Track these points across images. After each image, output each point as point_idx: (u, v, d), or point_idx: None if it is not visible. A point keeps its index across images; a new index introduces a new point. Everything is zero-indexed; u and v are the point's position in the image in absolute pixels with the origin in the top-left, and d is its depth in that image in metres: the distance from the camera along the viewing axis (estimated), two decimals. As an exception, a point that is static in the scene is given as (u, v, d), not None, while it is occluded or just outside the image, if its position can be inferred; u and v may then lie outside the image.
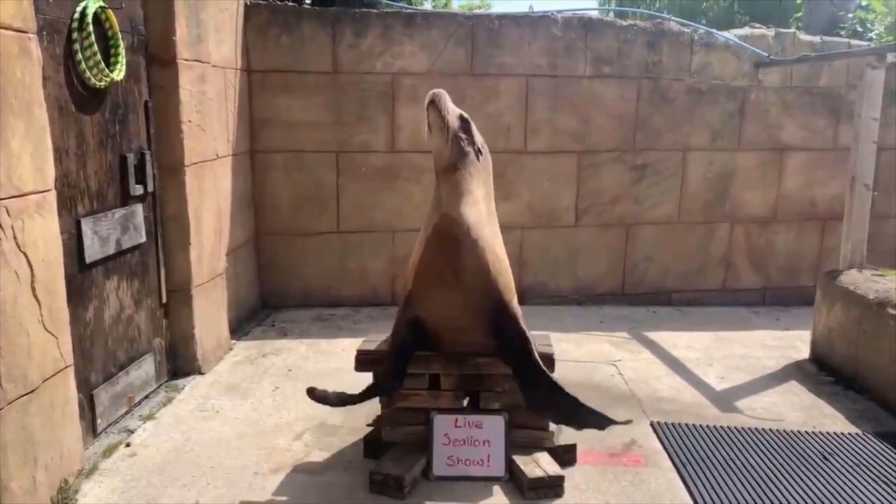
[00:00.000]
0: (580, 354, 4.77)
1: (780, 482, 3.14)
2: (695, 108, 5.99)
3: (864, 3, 8.92)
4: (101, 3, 3.22)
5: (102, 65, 3.20)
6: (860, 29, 8.60)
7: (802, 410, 3.99)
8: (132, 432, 3.46)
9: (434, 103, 2.99)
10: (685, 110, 5.98)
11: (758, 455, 3.40)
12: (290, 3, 5.48)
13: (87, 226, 3.23)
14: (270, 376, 4.26)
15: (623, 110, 5.91)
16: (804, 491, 3.07)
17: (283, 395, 3.98)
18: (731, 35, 6.08)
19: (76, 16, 3.09)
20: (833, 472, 3.25)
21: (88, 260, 3.24)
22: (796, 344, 5.13)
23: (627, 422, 3.13)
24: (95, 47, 3.15)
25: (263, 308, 5.68)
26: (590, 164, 5.95)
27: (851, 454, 3.43)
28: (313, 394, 3.15)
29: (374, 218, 5.74)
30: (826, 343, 4.67)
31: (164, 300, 4.01)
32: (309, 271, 5.74)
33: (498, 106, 5.73)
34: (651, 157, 6.03)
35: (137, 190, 3.68)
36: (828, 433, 3.67)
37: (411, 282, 3.10)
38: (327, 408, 3.73)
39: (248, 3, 5.27)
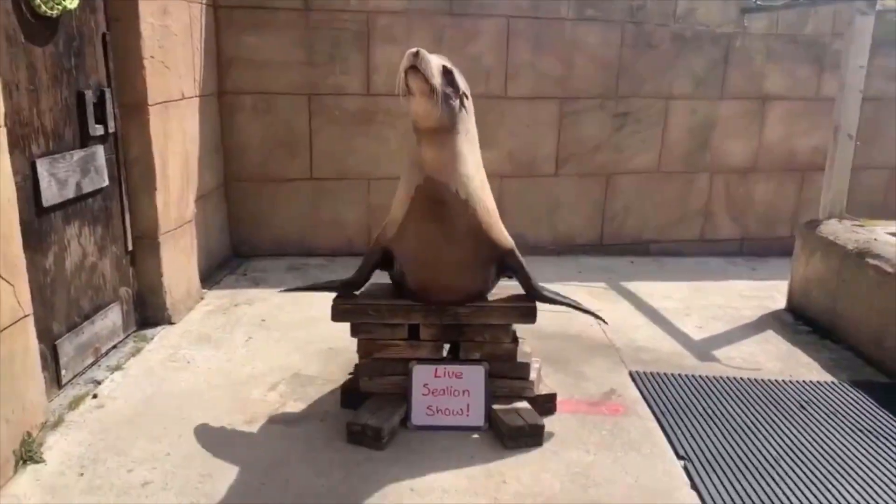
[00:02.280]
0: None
1: (758, 430, 3.14)
2: (679, 54, 5.85)
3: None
4: (51, -75, 2.96)
5: (54, -10, 2.95)
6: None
7: (779, 360, 4.00)
8: (99, 383, 3.33)
9: (416, 69, 2.60)
10: (669, 57, 5.84)
11: (736, 404, 3.39)
12: (258, -66, 5.16)
13: (42, 167, 3.03)
14: (243, 326, 4.15)
15: (606, 56, 5.75)
16: (781, 439, 3.08)
17: (257, 346, 3.88)
18: (718, -22, 5.90)
19: (24, -63, 2.83)
20: (810, 420, 3.26)
21: (46, 204, 3.05)
22: (773, 294, 5.14)
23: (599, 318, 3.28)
24: (45, -28, 2.91)
25: (235, 257, 5.52)
26: (571, 112, 5.81)
27: (828, 403, 3.44)
28: (288, 290, 3.42)
29: (348, 165, 5.57)
30: (803, 293, 4.67)
31: (130, 247, 3.84)
32: (281, 220, 5.58)
33: (477, 48, 5.53)
34: (633, 104, 5.90)
35: (98, 130, 3.47)
36: (804, 382, 3.68)
37: (393, 237, 2.98)
38: (302, 358, 3.70)
39: (214, -68, 4.95)
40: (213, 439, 2.90)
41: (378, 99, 5.47)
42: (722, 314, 4.72)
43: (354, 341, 3.09)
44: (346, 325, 3.05)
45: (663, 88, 5.91)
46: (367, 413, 2.94)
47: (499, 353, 3.04)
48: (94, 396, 3.21)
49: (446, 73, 2.74)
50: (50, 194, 3.08)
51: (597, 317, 3.28)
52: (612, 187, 6.07)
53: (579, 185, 5.99)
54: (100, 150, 3.51)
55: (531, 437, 2.90)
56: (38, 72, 3.01)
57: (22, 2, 2.89)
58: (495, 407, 3.01)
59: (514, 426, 2.89)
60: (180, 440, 2.88)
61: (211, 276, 4.97)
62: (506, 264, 3.03)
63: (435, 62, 2.69)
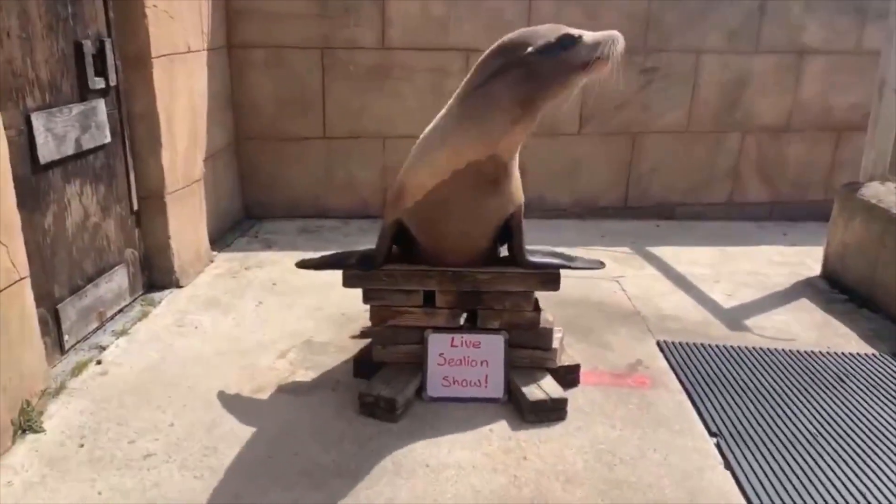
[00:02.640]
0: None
1: (795, 405, 2.96)
2: (711, 5, 5.52)
3: None
4: None
5: (45, -68, 2.75)
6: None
7: (815, 329, 3.79)
8: (104, 349, 3.22)
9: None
10: (701, 7, 5.51)
11: (770, 376, 3.21)
12: None
13: (38, 121, 2.86)
14: (253, 290, 4.01)
15: (634, 6, 5.43)
16: (819, 414, 2.90)
17: (267, 311, 3.74)
18: (757, -78, 5.53)
19: None
20: (849, 394, 3.07)
21: (43, 160, 2.90)
22: (805, 261, 4.91)
23: (600, 265, 3.04)
24: (35, -89, 2.70)
25: (247, 218, 5.37)
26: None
27: (868, 375, 3.25)
28: (302, 264, 3.04)
29: (362, 123, 5.35)
30: (840, 259, 4.43)
31: (136, 207, 3.69)
32: (294, 180, 5.40)
33: (498, 1, 5.24)
34: (662, 59, 5.60)
35: (98, 83, 3.29)
36: (842, 353, 3.48)
37: (412, 207, 2.70)
38: (314, 325, 3.55)
39: None
40: (220, 409, 2.77)
41: (394, 53, 5.23)
42: (752, 281, 4.51)
43: (368, 307, 2.93)
44: (360, 291, 2.88)
45: (694, 42, 5.59)
46: (381, 383, 2.79)
47: (519, 322, 2.87)
48: (98, 363, 3.10)
49: None
50: (47, 150, 2.92)
51: (593, 267, 3.03)
52: (637, 147, 5.80)
53: (603, 144, 5.73)
54: (101, 105, 3.33)
55: (553, 411, 2.74)
56: (31, 19, 2.83)
57: (10, -57, 2.69)
58: (515, 378, 2.85)
59: (535, 399, 2.73)
60: (185, 410, 2.76)
61: (222, 237, 4.83)
62: (509, 221, 2.79)
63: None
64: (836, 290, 4.36)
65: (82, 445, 2.50)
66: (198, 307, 3.73)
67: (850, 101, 5.92)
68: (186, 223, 4.04)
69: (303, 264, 3.03)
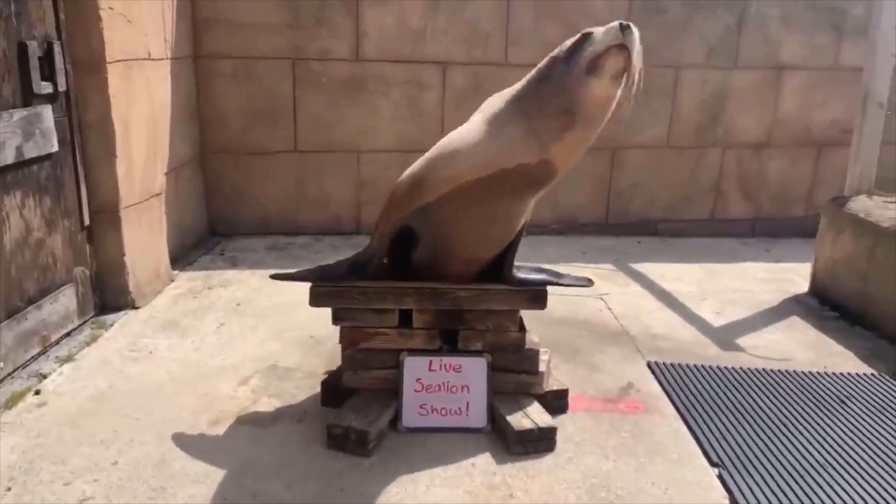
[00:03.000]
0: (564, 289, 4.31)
1: (798, 430, 2.77)
2: (690, 21, 5.43)
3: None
4: None
5: (-18, -82, 2.51)
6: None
7: (809, 349, 3.62)
8: (45, 377, 2.92)
9: (622, 48, 2.19)
10: (680, 24, 5.42)
11: (769, 399, 3.02)
12: None
13: (-28, 126, 2.60)
14: (216, 311, 3.73)
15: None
16: (825, 439, 2.70)
17: (230, 333, 3.47)
18: (734, -63, 5.47)
19: None
20: (854, 417, 2.89)
21: (-23, 169, 2.63)
22: (792, 277, 4.77)
23: (588, 282, 2.93)
24: None
25: (212, 236, 5.10)
26: (575, 80, 5.37)
27: (871, 397, 3.07)
28: (276, 276, 2.72)
29: (335, 136, 5.13)
30: (829, 275, 4.29)
31: (87, 222, 3.41)
32: (263, 195, 5.15)
33: (475, 11, 5.08)
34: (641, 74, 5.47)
35: (45, 88, 3.03)
36: (841, 374, 3.31)
37: (434, 194, 2.40)
38: (280, 347, 3.29)
39: None
40: (171, 444, 2.49)
41: (368, 65, 5.03)
42: (739, 298, 4.34)
43: (337, 328, 2.68)
44: (329, 311, 2.64)
45: (673, 57, 5.49)
46: (351, 413, 2.54)
47: (503, 344, 2.64)
48: (37, 393, 2.80)
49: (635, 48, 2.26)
50: (-18, 158, 2.65)
51: (582, 285, 2.89)
52: (618, 163, 5.66)
53: (583, 160, 5.53)
54: (47, 111, 3.07)
55: (542, 440, 2.51)
56: (-36, 14, 2.57)
57: (-58, -71, 2.45)
58: (498, 405, 2.62)
59: (521, 429, 2.50)
60: (132, 445, 2.47)
61: (185, 255, 4.55)
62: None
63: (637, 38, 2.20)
64: (827, 307, 4.21)
65: (9, 489, 2.20)
66: (154, 330, 3.45)
67: (830, 117, 5.87)
68: (144, 239, 3.76)
69: (279, 276, 2.73)
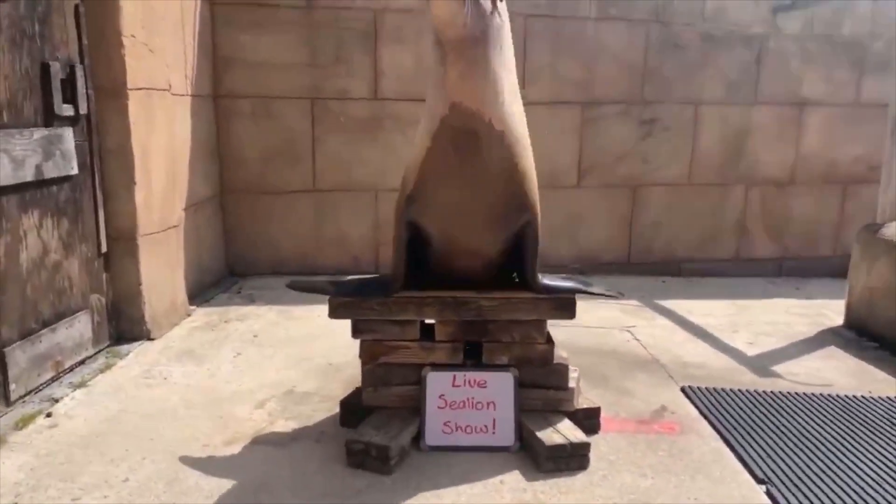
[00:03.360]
0: (589, 320, 4.18)
1: (848, 449, 2.59)
2: (708, 57, 5.45)
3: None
4: None
5: (12, -61, 2.57)
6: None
7: (850, 376, 3.44)
8: (56, 401, 2.82)
9: None
10: (698, 59, 5.44)
11: (813, 420, 2.84)
12: (258, -72, 4.85)
13: (-7, 141, 2.60)
14: (232, 342, 3.64)
15: (631, 58, 5.35)
16: (878, 458, 2.52)
17: (247, 362, 3.36)
18: (748, -24, 5.54)
19: None
20: (906, 440, 2.70)
21: (-4, 183, 2.61)
22: (825, 312, 4.61)
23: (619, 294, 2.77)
24: (3, -83, 2.53)
25: (230, 276, 5.04)
26: (594, 118, 5.38)
27: (923, 420, 2.88)
28: (295, 285, 2.69)
29: (353, 175, 5.13)
30: (866, 305, 4.12)
31: (104, 249, 3.37)
32: (281, 235, 5.11)
33: (493, 50, 5.13)
34: (661, 110, 5.48)
35: (66, 110, 3.04)
36: (888, 397, 3.12)
37: (413, 184, 2.44)
38: (298, 374, 3.19)
39: (211, -75, 4.64)
40: (184, 462, 2.37)
41: (386, 104, 5.06)
42: (773, 330, 4.18)
43: (358, 356, 2.57)
44: (350, 339, 2.54)
45: (693, 93, 5.49)
46: (372, 429, 2.41)
47: (530, 357, 2.51)
48: (48, 415, 2.70)
49: None
50: (2, 172, 2.63)
51: (611, 296, 2.75)
52: (639, 200, 5.59)
53: (604, 197, 5.52)
54: (68, 133, 3.07)
55: (574, 457, 2.35)
56: (-9, 30, 2.61)
57: (-26, -51, 2.50)
58: (526, 422, 2.47)
59: (552, 444, 2.34)
60: (143, 463, 2.35)
61: (202, 293, 4.48)
62: (522, 231, 2.47)
63: None
64: (865, 338, 4.03)
65: None
66: (169, 359, 3.35)
67: (854, 154, 5.80)
68: (161, 270, 3.71)
69: (297, 285, 2.69)
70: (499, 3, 2.29)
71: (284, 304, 4.37)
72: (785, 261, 5.93)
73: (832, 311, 4.55)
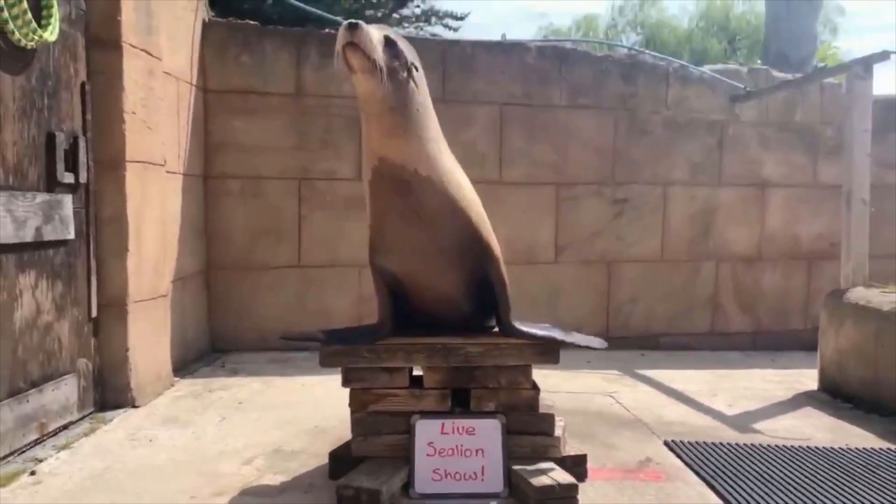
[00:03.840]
0: (572, 387, 4.25)
1: (828, 494, 2.64)
2: (674, 141, 5.80)
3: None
4: (32, -47, 2.84)
5: (30, 17, 2.78)
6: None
7: (828, 431, 3.53)
8: (41, 461, 2.79)
9: (355, 45, 2.31)
10: (664, 143, 5.78)
11: (795, 469, 2.90)
12: (251, 22, 5.20)
13: (-2, 200, 2.70)
14: (217, 408, 3.64)
15: (600, 142, 5.68)
16: (860, 501, 2.57)
17: (232, 425, 3.36)
18: (707, 69, 5.99)
19: (1, -40, 2.69)
20: (882, 483, 2.76)
21: (-2, 241, 2.70)
22: (800, 379, 4.72)
23: (601, 343, 2.87)
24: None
25: (213, 351, 5.05)
26: (568, 197, 5.64)
27: (898, 467, 2.96)
28: (288, 336, 2.87)
29: (338, 251, 5.27)
30: (837, 369, 4.25)
31: (94, 314, 3.42)
32: (265, 310, 5.17)
33: (471, 134, 5.44)
34: (631, 191, 5.76)
35: (67, 178, 3.18)
36: (865, 448, 3.20)
37: (371, 231, 2.67)
38: (284, 435, 3.19)
39: (207, 20, 4.97)
40: (172, 512, 2.35)
41: (370, 184, 5.27)
42: (751, 394, 4.27)
43: (346, 420, 2.65)
44: (336, 404, 2.62)
45: (660, 174, 5.80)
46: (362, 475, 2.43)
47: (517, 403, 2.58)
48: (32, 473, 2.67)
49: (389, 44, 2.44)
50: (4, 231, 2.73)
51: (594, 347, 2.85)
52: (615, 276, 5.77)
53: (581, 272, 5.70)
54: (67, 200, 3.19)
55: (563, 499, 2.38)
56: (3, 99, 2.77)
57: (-6, 26, 2.70)
58: (515, 468, 2.51)
59: (541, 486, 2.38)
60: (130, 513, 2.33)
61: (185, 367, 4.48)
62: (486, 275, 2.64)
63: (375, 34, 2.40)
64: (839, 399, 4.14)
65: (-1, 548, 2.06)
66: (154, 423, 3.34)
67: (816, 232, 6.08)
68: (149, 337, 3.75)
69: (291, 336, 2.82)
70: (413, 73, 2.50)
71: (267, 375, 4.40)
72: (759, 334, 6.08)
73: (807, 378, 4.66)
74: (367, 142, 2.57)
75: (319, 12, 6.30)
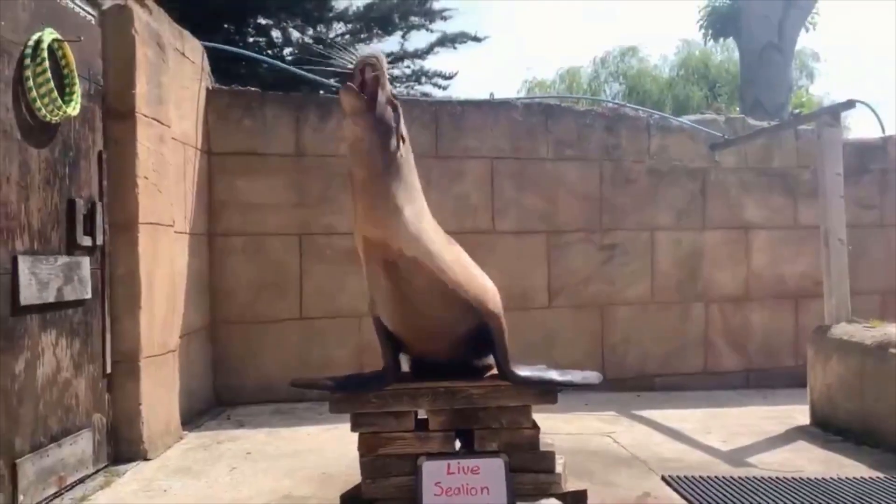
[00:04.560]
0: (571, 429, 4.37)
1: (820, 522, 2.77)
2: (657, 188, 6.05)
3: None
4: (57, 36, 3.07)
5: (56, 95, 3.00)
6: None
7: (820, 463, 3.66)
8: (60, 513, 2.90)
9: (357, 92, 2.35)
10: (648, 191, 6.03)
11: (790, 499, 3.04)
12: (252, 89, 5.47)
13: (24, 264, 2.87)
14: (227, 459, 3.74)
15: (587, 191, 5.92)
16: (849, 528, 2.70)
17: (242, 475, 3.47)
18: (686, 119, 6.28)
19: (30, 43, 2.93)
20: (873, 511, 2.90)
21: (24, 302, 2.85)
22: (792, 415, 4.85)
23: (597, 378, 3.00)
24: (49, 77, 2.97)
25: (218, 405, 5.15)
26: (559, 244, 5.85)
27: (888, 495, 3.09)
28: (297, 383, 2.95)
29: (339, 303, 5.42)
30: (826, 402, 4.40)
31: (108, 370, 3.55)
32: (268, 362, 5.30)
33: (464, 187, 5.67)
34: (619, 236, 5.97)
35: (85, 241, 3.36)
36: (856, 478, 3.33)
37: (370, 296, 2.78)
38: (294, 483, 3.30)
39: (210, 87, 5.23)
40: (193, 556, 2.45)
41: (368, 237, 5.46)
42: (745, 430, 4.41)
43: (352, 465, 2.78)
44: (341, 451, 2.76)
45: (646, 220, 6.02)
46: (374, 514, 2.55)
47: (519, 442, 2.72)
48: (54, 525, 2.77)
49: (392, 105, 2.49)
50: (29, 293, 2.89)
51: (590, 383, 3.01)
52: (608, 319, 5.94)
53: (574, 316, 5.86)
54: (85, 262, 3.37)
55: (565, 531, 2.50)
56: (30, 170, 2.97)
57: (22, 103, 2.92)
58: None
59: (544, 519, 2.50)
60: (153, 558, 2.43)
61: (191, 420, 4.58)
62: (486, 331, 2.74)
63: (388, 86, 2.45)
64: (830, 432, 4.27)
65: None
66: (167, 475, 3.44)
67: (800, 271, 6.28)
68: (159, 392, 3.87)
69: (300, 383, 2.96)
70: (401, 144, 2.56)
71: (273, 426, 4.51)
72: (751, 372, 6.23)
73: (799, 413, 4.79)
74: (355, 218, 2.61)
75: (313, 76, 6.63)
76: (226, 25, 8.53)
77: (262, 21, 9.02)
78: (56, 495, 3.06)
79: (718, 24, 14.42)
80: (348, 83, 2.40)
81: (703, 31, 15.11)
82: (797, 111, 8.25)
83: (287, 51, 9.22)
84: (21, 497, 2.81)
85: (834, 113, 4.76)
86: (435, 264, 2.59)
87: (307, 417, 4.75)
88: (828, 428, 4.33)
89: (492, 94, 6.09)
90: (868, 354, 4.03)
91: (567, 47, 47.20)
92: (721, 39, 15.63)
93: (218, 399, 5.18)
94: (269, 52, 8.84)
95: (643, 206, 6.01)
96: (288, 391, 5.23)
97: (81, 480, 3.28)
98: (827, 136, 4.71)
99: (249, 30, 8.96)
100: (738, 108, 11.69)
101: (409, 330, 2.72)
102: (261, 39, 9.03)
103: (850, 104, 4.78)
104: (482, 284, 2.80)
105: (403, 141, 2.59)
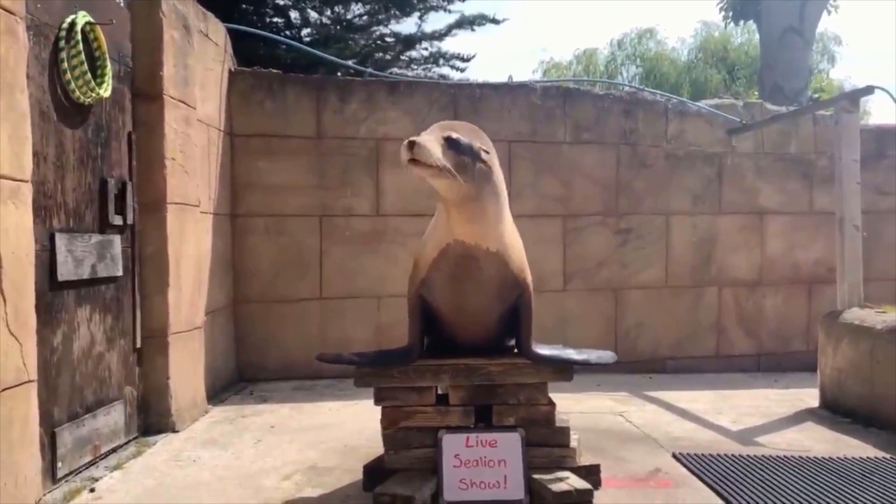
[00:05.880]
0: (584, 408, 4.47)
1: (830, 499, 2.85)
2: (673, 173, 6.08)
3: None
4: (90, 19, 3.17)
5: (90, 77, 3.10)
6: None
7: (827, 443, 3.74)
8: (97, 480, 3.04)
9: (417, 162, 2.53)
10: (664, 175, 6.07)
11: (796, 476, 3.12)
12: (274, 71, 5.55)
13: (61, 241, 3.00)
14: (252, 432, 3.88)
15: (604, 175, 5.97)
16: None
17: (267, 446, 3.60)
18: (703, 104, 6.30)
19: (64, 26, 3.03)
20: (880, 487, 2.98)
21: (61, 278, 2.98)
22: (802, 398, 4.93)
23: (613, 359, 3.17)
24: (83, 59, 3.07)
25: (240, 380, 5.30)
26: (574, 228, 5.92)
27: (893, 473, 3.17)
28: (324, 357, 3.06)
29: (357, 283, 5.54)
30: (836, 386, 4.47)
31: (139, 345, 3.69)
32: (289, 340, 5.43)
33: (481, 170, 5.72)
34: (634, 221, 6.03)
35: (116, 220, 3.48)
36: (863, 458, 3.41)
37: (424, 273, 2.88)
38: (318, 454, 3.43)
39: (232, 69, 5.32)
40: (225, 520, 2.59)
41: (387, 219, 5.58)
42: (754, 411, 4.49)
43: (373, 438, 2.90)
44: (362, 425, 2.88)
45: (662, 205, 6.07)
46: (396, 484, 2.67)
47: (535, 417, 2.83)
48: (92, 490, 2.92)
49: (451, 144, 2.62)
50: (66, 270, 3.01)
51: (606, 362, 3.15)
52: (621, 302, 6.02)
53: (588, 300, 5.94)
54: (117, 240, 3.49)
55: (580, 503, 2.61)
56: (65, 150, 3.08)
57: (58, 84, 3.02)
58: (535, 476, 2.74)
59: (559, 491, 2.62)
60: (188, 521, 2.57)
61: (216, 395, 4.73)
62: (517, 302, 2.90)
63: (435, 142, 2.58)
64: (839, 415, 4.35)
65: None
66: (195, 446, 3.59)
67: (814, 257, 6.32)
68: (186, 367, 4.00)
69: (325, 357, 3.08)
70: (483, 155, 2.73)
71: (295, 401, 4.65)
72: (762, 356, 6.29)
73: (808, 396, 4.87)
74: (447, 226, 2.78)
75: (331, 57, 6.70)
76: (244, 6, 8.59)
77: (281, 2, 9.07)
78: (91, 463, 3.21)
79: (739, 6, 14.29)
80: (411, 160, 2.56)
81: (722, 13, 15.03)
82: (816, 96, 8.23)
83: (305, 31, 9.28)
84: (59, 464, 2.95)
85: (852, 99, 4.77)
86: (508, 254, 2.85)
87: (328, 393, 4.89)
88: (837, 410, 4.40)
89: (510, 77, 6.13)
90: (878, 339, 4.09)
91: (583, 28, 46.80)
92: (742, 22, 15.48)
93: (241, 375, 5.33)
94: (288, 32, 8.91)
95: (659, 190, 6.05)
96: (308, 368, 5.44)
97: (114, 450, 3.43)
98: (845, 122, 4.73)
99: (268, 10, 9.02)
100: (756, 93, 11.63)
101: (460, 305, 2.85)
102: (279, 20, 9.10)
103: (868, 90, 4.79)
104: (526, 263, 3.00)
105: (487, 152, 2.77)
